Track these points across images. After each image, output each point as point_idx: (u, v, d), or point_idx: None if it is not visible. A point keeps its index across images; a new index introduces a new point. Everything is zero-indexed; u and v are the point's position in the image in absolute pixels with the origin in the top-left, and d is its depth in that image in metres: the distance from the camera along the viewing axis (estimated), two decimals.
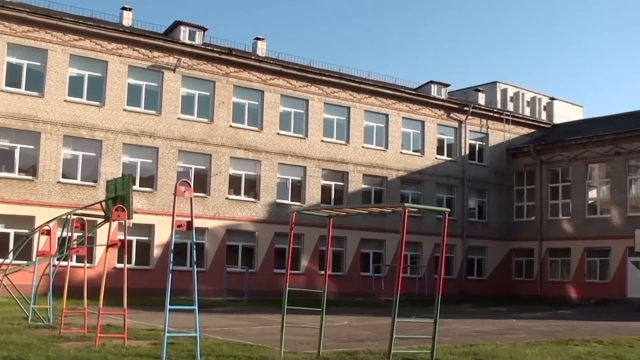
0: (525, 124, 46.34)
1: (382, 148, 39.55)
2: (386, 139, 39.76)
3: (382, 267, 38.06)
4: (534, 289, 41.70)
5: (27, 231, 25.04)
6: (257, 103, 35.70)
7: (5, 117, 29.14)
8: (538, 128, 46.75)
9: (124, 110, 31.95)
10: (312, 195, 36.64)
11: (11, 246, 26.87)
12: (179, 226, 10.59)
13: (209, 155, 33.95)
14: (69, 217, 15.97)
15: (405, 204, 10.93)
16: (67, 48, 30.76)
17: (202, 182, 33.51)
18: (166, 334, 10.32)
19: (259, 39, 38.88)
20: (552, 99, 52.36)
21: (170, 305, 10.23)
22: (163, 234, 31.24)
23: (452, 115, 42.62)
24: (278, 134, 35.96)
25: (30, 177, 29.71)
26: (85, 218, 15.76)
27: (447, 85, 43.33)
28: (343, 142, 38.17)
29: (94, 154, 31.29)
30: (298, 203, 35.87)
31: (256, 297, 30.42)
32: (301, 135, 36.78)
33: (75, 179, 30.84)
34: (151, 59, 32.87)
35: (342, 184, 38.12)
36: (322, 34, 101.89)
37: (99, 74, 31.65)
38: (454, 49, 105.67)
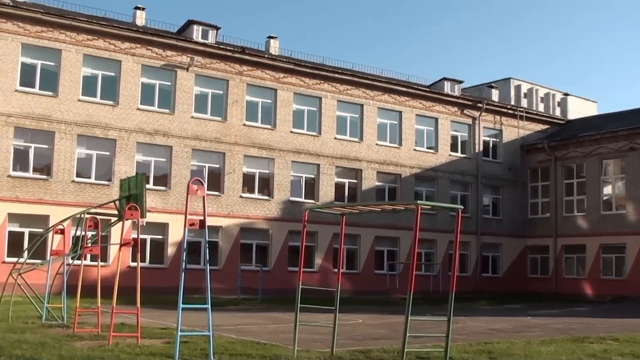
0: (539, 120, 46.11)
1: (396, 145, 39.44)
2: (400, 136, 39.65)
3: (397, 264, 37.91)
4: (549, 286, 41.46)
5: (41, 230, 25.13)
6: (270, 101, 35.72)
7: (20, 117, 29.32)
8: (552, 124, 46.51)
9: (138, 109, 32.05)
10: (326, 192, 36.59)
11: (26, 245, 27.06)
12: (191, 225, 10.58)
13: (223, 154, 33.99)
14: (82, 216, 16.00)
15: (418, 202, 10.83)
16: (80, 48, 30.91)
17: (215, 181, 33.57)
18: (179, 333, 10.32)
19: (271, 37, 38.92)
20: (566, 94, 52.02)
21: (183, 304, 10.19)
22: (177, 232, 31.37)
23: (465, 112, 42.45)
24: (291, 132, 35.95)
25: (45, 177, 29.87)
26: (99, 217, 15.77)
27: (460, 82, 43.09)
28: (356, 139, 38.10)
29: (107, 153, 31.41)
30: (312, 201, 35.84)
31: (270, 295, 30.41)
32: (314, 133, 36.75)
33: (90, 178, 30.97)
34: (164, 58, 32.95)
35: (355, 181, 38.05)
36: (335, 32, 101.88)
37: (113, 74, 31.78)
38: (467, 46, 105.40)
